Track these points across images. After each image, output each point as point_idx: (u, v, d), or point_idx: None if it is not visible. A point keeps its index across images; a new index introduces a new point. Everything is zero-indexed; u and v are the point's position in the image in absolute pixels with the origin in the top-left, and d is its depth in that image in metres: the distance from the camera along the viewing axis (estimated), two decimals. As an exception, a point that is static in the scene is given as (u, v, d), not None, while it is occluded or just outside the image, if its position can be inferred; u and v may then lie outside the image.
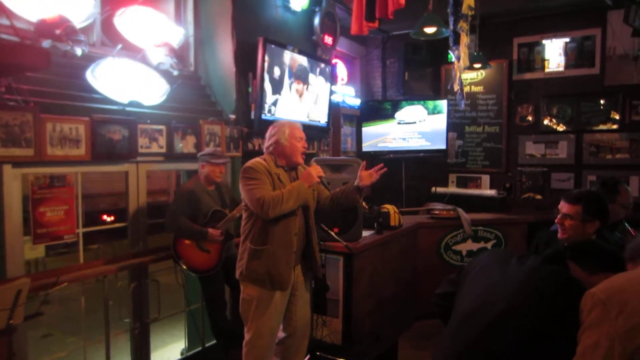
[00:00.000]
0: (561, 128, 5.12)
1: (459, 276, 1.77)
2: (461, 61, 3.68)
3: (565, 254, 1.54)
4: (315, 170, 2.62)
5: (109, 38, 3.28)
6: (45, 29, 2.66)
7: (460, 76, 3.93)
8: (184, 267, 3.13)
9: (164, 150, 3.26)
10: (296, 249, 2.64)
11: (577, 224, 2.13)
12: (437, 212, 4.68)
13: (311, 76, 4.35)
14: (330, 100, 4.66)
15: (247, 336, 2.64)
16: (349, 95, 5.44)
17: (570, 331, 1.27)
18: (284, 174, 2.66)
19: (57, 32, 2.70)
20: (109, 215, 7.40)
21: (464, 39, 3.70)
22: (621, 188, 2.60)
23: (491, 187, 5.44)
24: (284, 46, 3.94)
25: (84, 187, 3.06)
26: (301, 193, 2.54)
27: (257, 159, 2.65)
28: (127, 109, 3.07)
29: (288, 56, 4.01)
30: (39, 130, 2.55)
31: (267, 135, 2.71)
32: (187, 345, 3.87)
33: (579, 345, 1.22)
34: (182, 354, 3.81)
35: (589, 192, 2.28)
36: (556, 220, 2.17)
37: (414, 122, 5.36)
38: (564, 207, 2.17)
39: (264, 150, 2.73)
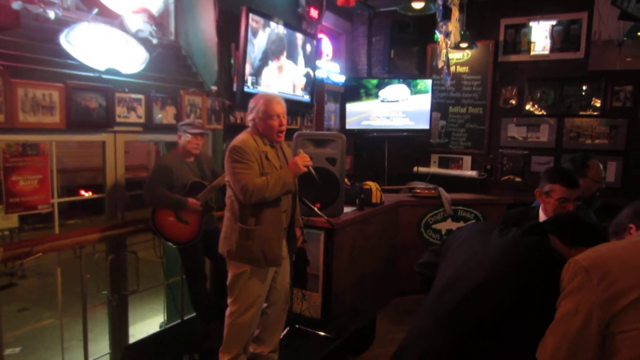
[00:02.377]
0: (543, 112, 5.15)
1: (442, 247, 1.78)
2: (451, 36, 3.64)
3: (546, 227, 1.55)
4: (302, 160, 2.59)
5: (84, 2, 3.15)
6: (16, -12, 2.54)
7: (447, 53, 3.89)
8: (163, 239, 3.08)
9: (142, 120, 3.18)
10: (285, 225, 2.65)
11: (556, 202, 2.16)
12: (418, 190, 4.70)
13: (295, 50, 4.27)
14: (314, 75, 4.59)
15: (232, 308, 2.63)
16: (333, 72, 5.37)
17: (548, 303, 1.28)
18: (271, 152, 2.61)
19: (29, -8, 2.58)
20: (86, 190, 7.27)
21: (455, 14, 3.64)
22: (591, 163, 2.61)
23: (472, 169, 5.48)
24: (268, 17, 3.85)
25: (62, 161, 2.98)
26: (286, 183, 2.52)
27: (246, 136, 2.57)
28: (104, 76, 2.96)
29: (272, 28, 3.92)
30: (10, 95, 2.44)
31: (248, 108, 2.65)
32: (166, 318, 3.87)
33: (557, 311, 1.23)
34: (160, 327, 3.80)
35: (569, 170, 2.32)
36: (557, 206, 2.16)
37: (397, 101, 5.33)
38: (566, 192, 2.14)
39: (247, 124, 2.67)
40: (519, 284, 1.39)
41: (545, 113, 5.14)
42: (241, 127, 3.83)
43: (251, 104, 2.62)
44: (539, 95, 5.17)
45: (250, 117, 2.62)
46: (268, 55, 3.93)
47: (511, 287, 1.39)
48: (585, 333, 1.16)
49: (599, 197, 2.72)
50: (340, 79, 5.44)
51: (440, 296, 1.51)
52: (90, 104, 2.84)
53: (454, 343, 1.39)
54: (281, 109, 2.59)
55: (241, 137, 2.56)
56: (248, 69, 3.72)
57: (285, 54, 4.14)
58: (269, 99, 2.60)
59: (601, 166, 2.66)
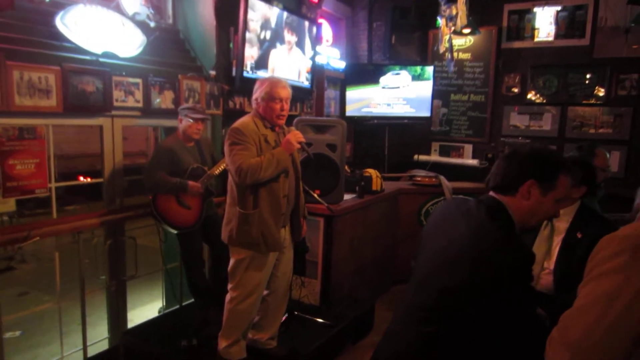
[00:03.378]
0: (546, 100, 5.09)
1: (420, 242, 1.73)
2: (457, 19, 3.56)
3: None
4: (295, 137, 2.55)
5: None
6: (10, -31, 2.49)
7: (450, 38, 3.83)
8: (165, 223, 3.07)
9: (140, 105, 3.14)
10: (285, 210, 2.62)
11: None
12: (419, 178, 4.68)
13: (296, 34, 4.21)
14: (314, 61, 4.54)
15: (232, 293, 2.63)
16: (333, 58, 5.31)
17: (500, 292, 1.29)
18: (271, 135, 2.59)
19: (24, -27, 2.53)
20: (85, 177, 7.26)
21: None
22: (598, 151, 2.59)
23: (473, 157, 5.44)
24: (267, 0, 3.78)
25: (60, 147, 2.95)
26: (280, 161, 2.48)
27: (247, 118, 2.56)
28: (101, 59, 2.92)
29: (271, 12, 3.86)
30: (5, 78, 2.41)
31: (253, 89, 2.62)
32: (164, 304, 3.87)
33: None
34: (159, 312, 3.81)
35: (577, 157, 2.26)
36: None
37: (398, 88, 5.28)
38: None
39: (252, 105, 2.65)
40: (477, 273, 1.34)
41: (548, 101, 5.09)
42: (240, 112, 3.80)
43: (256, 85, 2.60)
44: (542, 83, 5.11)
45: (253, 97, 2.60)
46: (268, 40, 3.87)
47: (471, 277, 1.35)
48: (625, 323, 0.98)
49: (603, 186, 2.70)
50: (341, 65, 5.38)
51: (414, 297, 1.52)
52: (87, 88, 2.81)
53: (423, 344, 1.41)
54: (285, 93, 2.57)
55: (242, 120, 2.55)
56: (248, 53, 3.67)
57: (285, 38, 4.08)
58: (275, 82, 2.58)
59: (608, 155, 2.64)
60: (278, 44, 4.01)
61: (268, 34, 3.86)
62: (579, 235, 2.16)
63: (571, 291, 2.10)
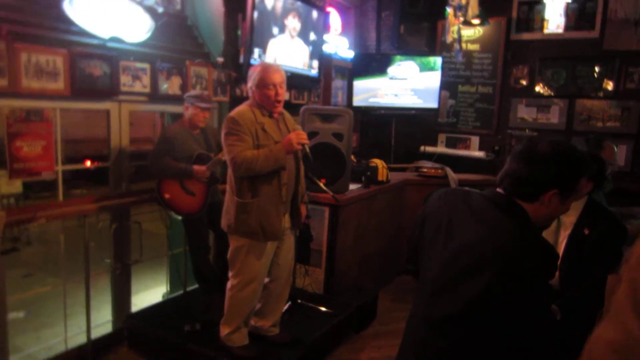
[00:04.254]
0: (554, 92, 5.05)
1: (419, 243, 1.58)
2: (469, 8, 3.51)
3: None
4: (297, 138, 2.45)
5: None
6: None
7: (459, 28, 3.78)
8: (170, 209, 3.08)
9: (147, 90, 3.14)
10: (285, 199, 2.60)
11: None
12: (425, 170, 4.67)
13: (304, 22, 4.18)
14: (322, 50, 4.51)
15: (233, 281, 2.63)
16: (342, 47, 5.27)
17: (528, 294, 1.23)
18: (269, 123, 2.54)
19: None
20: (93, 162, 7.27)
21: None
22: (605, 144, 2.57)
23: (480, 149, 5.41)
24: (276, -13, 3.75)
25: (67, 131, 2.95)
26: (278, 160, 2.43)
27: (244, 106, 2.52)
28: (109, 44, 2.92)
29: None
30: (13, 60, 2.41)
31: (247, 77, 2.59)
32: (169, 289, 3.90)
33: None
34: (163, 297, 3.84)
35: (587, 152, 2.23)
36: None
37: (406, 79, 5.24)
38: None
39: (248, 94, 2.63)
40: (500, 274, 1.28)
41: (556, 94, 5.04)
42: (247, 99, 3.79)
43: (250, 72, 2.57)
44: (550, 75, 5.06)
45: (248, 85, 2.56)
46: (276, 27, 3.85)
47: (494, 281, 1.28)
48: None
49: (610, 180, 2.68)
50: (349, 54, 5.34)
51: (434, 308, 1.40)
52: (95, 72, 2.80)
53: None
54: (279, 77, 2.49)
55: (238, 109, 2.51)
56: (255, 40, 3.64)
57: (293, 25, 4.05)
58: (265, 67, 2.52)
59: (615, 148, 2.61)
60: (286, 32, 3.99)
61: (276, 21, 3.83)
62: (586, 232, 2.15)
63: (577, 286, 2.09)
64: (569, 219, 2.21)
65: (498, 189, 1.41)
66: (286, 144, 2.45)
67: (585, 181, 1.37)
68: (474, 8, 3.63)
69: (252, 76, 2.52)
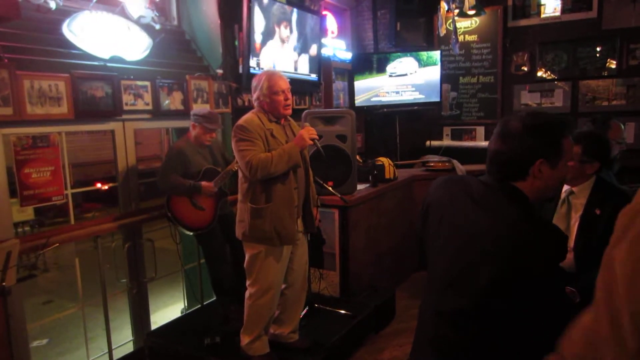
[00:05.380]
0: (557, 76, 5.01)
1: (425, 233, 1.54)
2: (466, 0, 3.50)
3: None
4: (308, 133, 2.54)
5: (85, -10, 3.12)
6: (14, -20, 2.52)
7: (454, 19, 3.77)
8: (180, 226, 3.09)
9: (150, 107, 3.16)
10: (297, 203, 2.62)
11: (576, 165, 2.06)
12: (432, 164, 4.64)
13: (300, 27, 4.19)
14: (320, 53, 4.52)
15: (251, 290, 2.64)
16: (339, 49, 5.28)
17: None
18: (277, 129, 2.58)
19: (28, -17, 2.56)
20: (103, 184, 7.35)
21: None
22: (613, 123, 2.52)
23: (486, 139, 5.38)
24: (269, -4, 3.77)
25: (75, 156, 2.98)
26: (292, 157, 2.48)
27: (250, 114, 2.56)
28: (109, 64, 2.95)
29: (274, 5, 3.85)
30: (17, 88, 2.44)
31: (252, 88, 2.62)
32: (186, 304, 3.90)
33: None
34: (182, 313, 3.84)
35: (590, 132, 2.18)
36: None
37: (406, 75, 5.23)
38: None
39: (253, 103, 2.64)
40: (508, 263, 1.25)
41: (558, 77, 5.00)
42: (249, 109, 3.77)
43: (254, 82, 2.59)
44: (551, 59, 5.02)
45: (254, 95, 2.58)
46: (271, 34, 3.86)
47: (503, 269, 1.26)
48: None
49: (619, 159, 2.64)
50: (347, 55, 5.35)
51: (444, 302, 1.38)
52: (97, 93, 2.83)
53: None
54: (285, 84, 2.56)
55: (245, 117, 2.55)
56: (253, 49, 3.66)
57: (287, 31, 4.06)
58: (271, 75, 2.57)
59: (622, 127, 2.57)
60: (283, 38, 4.00)
61: (272, 29, 3.85)
62: (598, 212, 2.11)
63: (593, 268, 2.06)
64: (579, 201, 2.17)
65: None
66: (298, 140, 2.52)
67: (570, 140, 1.34)
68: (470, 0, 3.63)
69: (258, 85, 2.55)
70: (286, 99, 2.55)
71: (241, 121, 2.51)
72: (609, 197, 2.11)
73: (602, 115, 2.59)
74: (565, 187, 2.13)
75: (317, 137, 2.58)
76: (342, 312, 3.30)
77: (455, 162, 4.58)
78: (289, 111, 2.61)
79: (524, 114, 1.35)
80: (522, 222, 1.28)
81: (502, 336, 1.31)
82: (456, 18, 4.79)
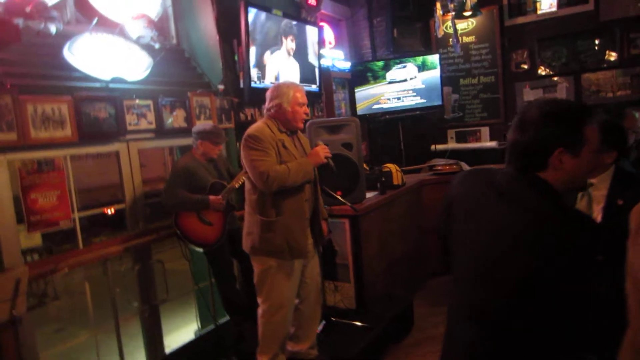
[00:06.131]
0: (558, 71, 4.98)
1: (443, 219, 1.50)
2: (468, 1, 3.49)
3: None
4: (323, 151, 2.57)
5: (83, 14, 3.12)
6: (14, 7, 2.50)
7: (453, 19, 3.77)
8: (189, 242, 3.03)
9: (153, 126, 3.13)
10: (308, 215, 2.58)
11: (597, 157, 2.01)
12: (439, 167, 4.60)
13: (299, 39, 4.19)
14: (320, 64, 4.51)
15: (263, 307, 2.57)
16: (338, 59, 5.28)
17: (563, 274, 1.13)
18: (288, 140, 2.54)
19: (28, 9, 2.53)
20: (109, 207, 7.30)
21: None
22: (627, 112, 2.49)
23: (491, 139, 5.34)
24: (266, 9, 3.77)
25: (79, 181, 2.94)
26: (307, 172, 2.47)
27: (260, 124, 2.52)
28: (111, 85, 2.93)
29: (272, 19, 3.85)
30: (20, 113, 2.42)
31: (268, 96, 2.57)
32: (199, 325, 3.82)
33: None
34: (195, 334, 3.76)
35: (606, 120, 2.13)
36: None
37: (405, 80, 5.21)
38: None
39: (264, 113, 2.60)
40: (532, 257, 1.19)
41: (559, 72, 4.97)
42: (252, 123, 3.76)
43: (274, 91, 2.55)
44: (551, 55, 5.00)
45: (271, 104, 2.54)
46: (270, 47, 3.85)
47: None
48: None
49: (635, 147, 2.59)
50: (346, 65, 5.35)
51: (474, 299, 1.32)
52: (100, 114, 2.81)
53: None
54: (305, 97, 2.58)
55: (256, 126, 2.50)
56: (253, 63, 3.65)
57: (287, 44, 4.06)
58: (297, 86, 2.59)
59: (637, 115, 2.53)
60: (282, 51, 3.99)
61: (270, 42, 3.84)
62: (620, 202, 2.05)
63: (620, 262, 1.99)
64: (600, 193, 2.12)
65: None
66: (313, 157, 2.54)
67: (595, 129, 1.26)
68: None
69: (282, 95, 2.52)
70: (305, 112, 2.56)
71: (252, 130, 2.46)
72: (630, 186, 2.05)
73: (616, 105, 2.55)
74: None
75: (330, 155, 2.61)
76: (360, 324, 3.22)
77: (463, 164, 4.54)
78: (302, 125, 2.61)
79: (542, 101, 1.29)
80: (553, 214, 1.21)
81: (540, 337, 1.25)
82: (455, 20, 4.80)
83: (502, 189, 1.30)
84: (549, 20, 4.96)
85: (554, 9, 4.93)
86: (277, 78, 3.89)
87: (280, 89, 2.55)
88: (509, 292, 1.23)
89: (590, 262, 1.24)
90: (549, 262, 1.17)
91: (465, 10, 3.71)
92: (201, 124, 3.19)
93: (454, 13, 3.94)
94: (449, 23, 4.78)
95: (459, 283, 1.40)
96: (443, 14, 4.43)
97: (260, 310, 2.59)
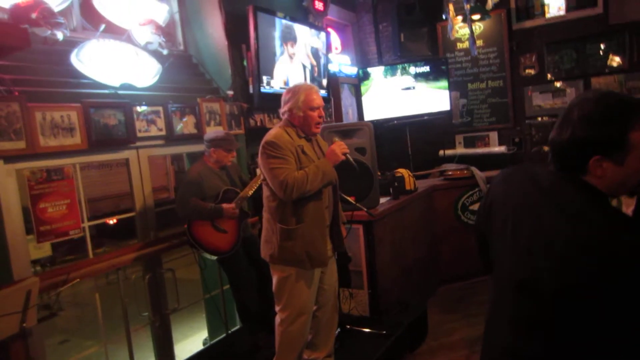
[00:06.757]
0: (567, 75, 4.94)
1: (481, 219, 1.44)
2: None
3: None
4: (340, 148, 2.44)
5: (90, 21, 3.10)
6: (20, 13, 2.47)
7: (469, 19, 3.69)
8: (204, 250, 2.97)
9: (163, 132, 3.09)
10: (328, 222, 2.51)
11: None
12: (450, 172, 4.54)
13: (306, 44, 4.15)
14: (327, 69, 4.47)
15: (281, 315, 2.50)
16: (345, 64, 5.24)
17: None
18: (307, 146, 2.46)
19: (34, 15, 2.50)
20: (113, 218, 7.24)
21: None
22: None
23: (500, 144, 5.28)
24: (274, 13, 3.74)
25: (87, 191, 2.87)
26: (326, 174, 2.36)
27: (278, 130, 2.43)
28: (120, 92, 2.89)
29: (280, 24, 3.81)
30: (28, 121, 2.37)
31: (282, 100, 2.51)
32: (209, 334, 3.75)
33: None
34: (204, 343, 3.69)
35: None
36: None
37: (413, 87, 5.16)
38: None
39: (281, 116, 2.54)
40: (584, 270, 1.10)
41: (568, 76, 4.93)
42: (262, 129, 3.73)
43: (287, 94, 2.48)
44: (560, 58, 4.96)
45: (284, 108, 2.47)
46: (279, 52, 3.82)
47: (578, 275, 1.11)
48: None
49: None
50: (353, 70, 5.31)
51: (518, 307, 1.24)
52: (110, 121, 2.76)
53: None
54: (321, 101, 2.47)
55: (274, 132, 2.41)
56: (263, 68, 3.60)
57: (295, 48, 4.02)
58: (309, 89, 2.47)
59: None
60: (291, 55, 3.95)
61: (279, 46, 3.81)
62: None
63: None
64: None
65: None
66: (330, 155, 2.42)
67: None
68: None
69: (293, 98, 2.43)
70: (320, 116, 2.45)
71: (270, 137, 2.37)
72: None
73: None
74: None
75: (348, 151, 2.48)
76: (375, 331, 3.15)
77: (473, 169, 4.48)
78: (319, 130, 2.50)
79: (590, 96, 1.18)
80: (603, 226, 1.12)
81: (583, 345, 1.18)
82: (461, 25, 4.76)
83: (548, 190, 1.21)
84: (558, 24, 4.92)
85: (563, 12, 4.89)
86: (286, 83, 3.84)
87: (291, 92, 2.47)
88: (551, 300, 1.15)
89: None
90: (596, 272, 1.09)
91: (488, 6, 3.63)
92: (213, 132, 3.14)
93: (467, 15, 3.88)
94: (457, 27, 4.75)
95: (498, 287, 1.34)
96: (455, 16, 4.38)
97: (278, 319, 2.52)
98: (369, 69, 5.24)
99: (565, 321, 1.15)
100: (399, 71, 5.16)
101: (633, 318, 1.11)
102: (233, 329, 3.50)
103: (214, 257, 3.02)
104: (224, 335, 3.44)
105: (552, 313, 1.16)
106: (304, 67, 4.14)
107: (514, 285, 1.26)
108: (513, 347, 1.26)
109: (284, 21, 3.84)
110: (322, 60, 4.38)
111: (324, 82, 4.41)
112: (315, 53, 4.27)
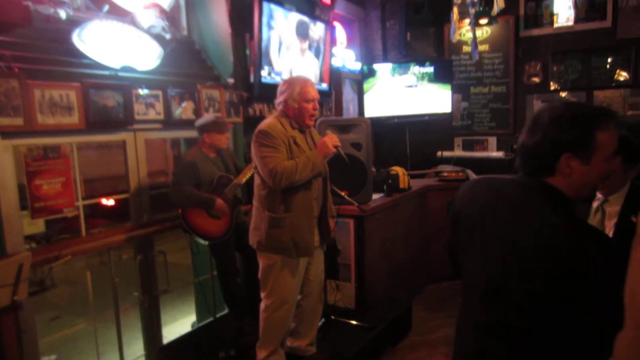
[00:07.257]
0: (570, 86, 4.94)
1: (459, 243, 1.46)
2: (495, 3, 3.42)
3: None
4: (331, 140, 2.47)
5: (94, 1, 3.10)
6: (24, -11, 2.49)
7: (473, 23, 3.69)
8: (196, 235, 3.01)
9: (161, 117, 3.11)
10: (316, 213, 2.55)
11: (619, 174, 1.97)
12: (446, 174, 4.57)
13: (311, 37, 4.16)
14: (330, 63, 4.48)
15: (266, 302, 2.56)
16: (349, 59, 5.25)
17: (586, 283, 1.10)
18: (300, 137, 2.51)
19: (37, -7, 2.52)
20: (108, 198, 7.28)
21: None
22: None
23: (498, 149, 5.30)
24: (280, 4, 3.75)
25: (82, 171, 2.90)
26: (316, 165, 2.40)
27: (272, 119, 2.48)
28: (120, 74, 2.91)
29: (286, 15, 3.82)
30: (27, 98, 2.39)
31: (278, 90, 2.54)
32: (197, 318, 3.81)
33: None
34: (192, 327, 3.74)
35: (624, 138, 2.10)
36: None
37: (416, 85, 5.17)
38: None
39: (276, 107, 2.57)
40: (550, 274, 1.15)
41: (572, 87, 4.93)
42: (261, 119, 3.72)
43: (283, 85, 2.52)
44: (564, 69, 4.96)
45: (280, 99, 2.51)
46: (284, 43, 3.83)
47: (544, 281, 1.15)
48: None
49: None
50: (357, 66, 5.31)
51: (488, 314, 1.28)
52: (108, 103, 2.78)
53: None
54: (316, 93, 2.51)
55: (268, 122, 2.47)
56: (265, 58, 3.62)
57: (301, 40, 4.03)
58: (305, 81, 2.51)
59: None
60: (294, 47, 3.97)
61: (284, 38, 3.82)
62: (634, 219, 2.02)
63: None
64: (614, 209, 2.08)
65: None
66: (321, 147, 2.45)
67: (611, 133, 1.21)
68: (500, 2, 3.53)
69: (288, 90, 2.47)
70: (314, 109, 2.48)
71: (263, 126, 2.42)
72: None
73: (637, 121, 2.49)
74: (599, 196, 2.04)
75: (339, 144, 2.51)
76: (359, 324, 3.21)
77: (469, 171, 4.51)
78: (312, 122, 2.54)
79: (556, 104, 1.25)
80: (565, 230, 1.16)
81: (547, 349, 1.22)
82: (468, 28, 4.76)
83: (512, 199, 1.26)
84: (565, 34, 4.90)
85: (571, 23, 4.87)
86: (290, 74, 3.86)
87: (287, 83, 2.51)
88: (517, 305, 1.20)
89: (604, 278, 1.21)
90: (561, 277, 1.13)
91: (493, 12, 3.62)
92: (202, 118, 3.13)
93: (472, 16, 3.88)
94: (463, 30, 4.75)
95: (467, 294, 1.38)
96: (460, 20, 4.38)
97: (262, 305, 2.58)
98: (375, 66, 5.25)
99: (532, 326, 1.19)
100: (403, 70, 5.17)
101: (598, 320, 1.16)
102: (220, 314, 3.55)
103: (206, 242, 3.06)
104: (211, 319, 3.49)
105: (521, 319, 1.20)
106: (307, 60, 4.16)
107: (482, 293, 1.29)
108: (481, 351, 1.30)
109: (290, 13, 3.85)
110: (326, 54, 4.39)
111: (325, 76, 4.42)
112: (319, 46, 4.28)
